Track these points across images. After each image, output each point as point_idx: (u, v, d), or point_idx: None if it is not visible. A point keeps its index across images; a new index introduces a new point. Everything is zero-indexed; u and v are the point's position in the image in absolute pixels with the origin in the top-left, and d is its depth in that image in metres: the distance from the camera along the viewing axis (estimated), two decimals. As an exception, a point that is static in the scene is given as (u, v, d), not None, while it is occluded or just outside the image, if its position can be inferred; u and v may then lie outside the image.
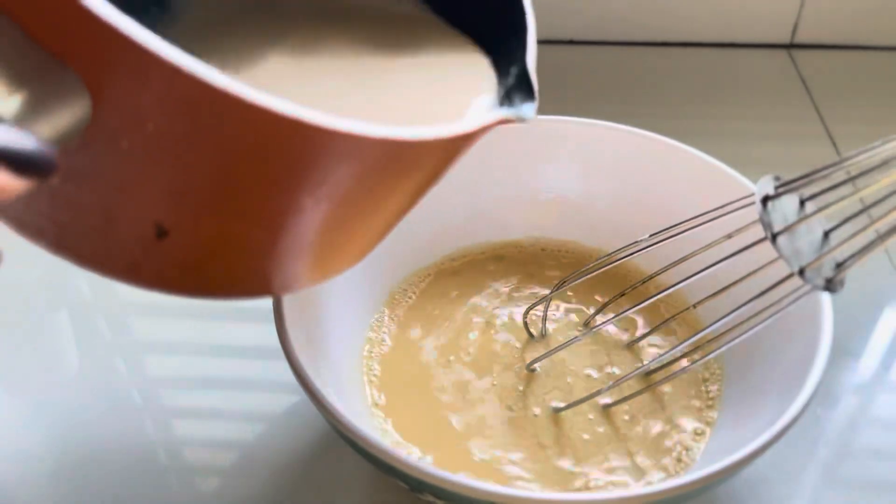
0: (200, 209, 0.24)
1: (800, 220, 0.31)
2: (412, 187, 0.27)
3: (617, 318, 0.39)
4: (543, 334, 0.41)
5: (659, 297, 0.36)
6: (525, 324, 0.41)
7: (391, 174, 0.25)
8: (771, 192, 0.32)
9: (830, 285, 0.31)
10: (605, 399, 0.38)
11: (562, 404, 0.38)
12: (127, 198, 0.23)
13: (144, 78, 0.20)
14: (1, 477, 0.39)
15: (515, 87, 0.28)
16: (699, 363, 0.36)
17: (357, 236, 0.28)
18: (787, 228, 0.31)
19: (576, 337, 0.38)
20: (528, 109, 0.27)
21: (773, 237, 0.31)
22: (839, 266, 0.31)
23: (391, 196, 0.27)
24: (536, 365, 0.39)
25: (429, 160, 0.26)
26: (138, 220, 0.24)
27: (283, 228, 0.25)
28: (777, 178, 0.32)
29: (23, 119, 0.20)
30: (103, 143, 0.22)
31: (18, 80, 0.20)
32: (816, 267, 0.31)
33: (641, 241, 0.37)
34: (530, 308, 0.41)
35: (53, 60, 0.20)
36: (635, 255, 0.37)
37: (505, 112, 0.27)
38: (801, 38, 0.64)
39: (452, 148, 0.26)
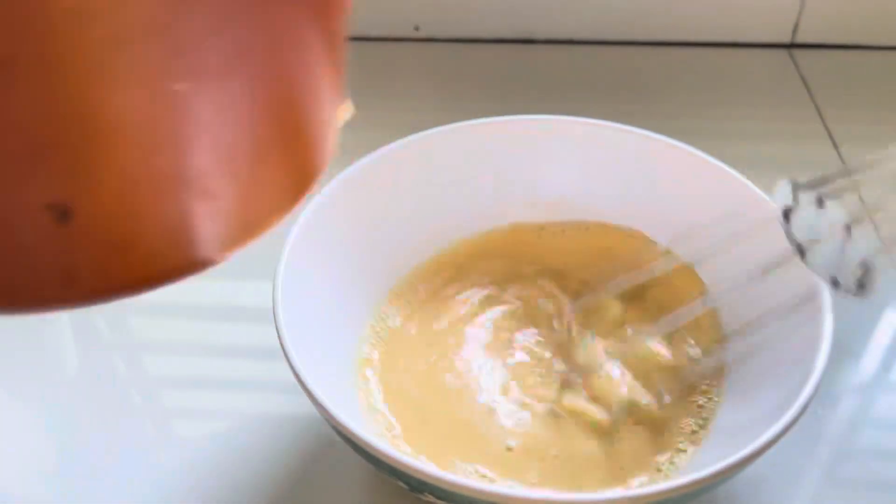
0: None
1: (826, 230, 0.31)
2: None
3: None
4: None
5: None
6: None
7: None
8: (790, 202, 0.31)
9: (861, 291, 0.31)
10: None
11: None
12: None
13: None
14: (1, 477, 0.39)
15: None
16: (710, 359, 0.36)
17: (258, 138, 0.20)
18: (814, 242, 0.31)
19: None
20: None
21: (802, 253, 0.30)
22: (868, 270, 0.31)
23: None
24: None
25: None
26: (22, 212, 0.18)
27: (179, 133, 0.18)
28: (793, 182, 0.32)
29: None
30: None
31: None
32: (846, 275, 0.31)
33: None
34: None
35: None
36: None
37: None
38: (801, 37, 0.64)
39: None
